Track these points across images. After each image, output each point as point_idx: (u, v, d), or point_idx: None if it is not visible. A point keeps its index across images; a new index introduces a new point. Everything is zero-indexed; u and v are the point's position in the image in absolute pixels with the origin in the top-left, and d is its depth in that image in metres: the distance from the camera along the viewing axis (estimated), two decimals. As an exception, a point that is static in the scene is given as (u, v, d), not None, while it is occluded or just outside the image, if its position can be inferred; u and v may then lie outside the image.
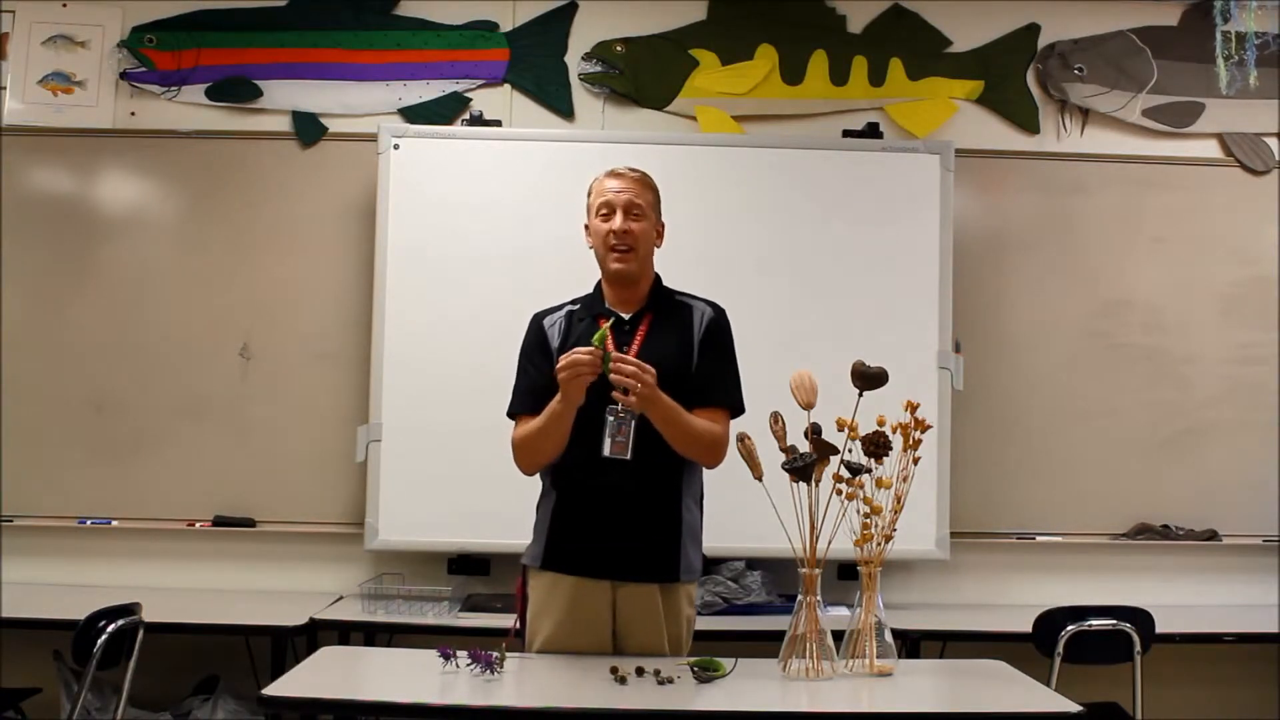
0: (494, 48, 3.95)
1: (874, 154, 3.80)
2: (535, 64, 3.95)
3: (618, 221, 2.51)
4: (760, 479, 2.32)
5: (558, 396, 2.39)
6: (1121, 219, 3.98)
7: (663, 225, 2.63)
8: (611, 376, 2.33)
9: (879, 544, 2.38)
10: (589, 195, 2.61)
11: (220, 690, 3.56)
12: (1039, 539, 3.88)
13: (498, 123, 3.86)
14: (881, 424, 2.34)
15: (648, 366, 2.36)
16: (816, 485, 2.33)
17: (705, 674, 2.31)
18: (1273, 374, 3.94)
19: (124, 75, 3.89)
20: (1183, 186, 3.99)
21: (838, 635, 2.40)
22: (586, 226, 2.61)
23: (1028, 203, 3.98)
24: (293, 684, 2.31)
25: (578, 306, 2.62)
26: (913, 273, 3.72)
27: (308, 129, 3.89)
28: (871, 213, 3.75)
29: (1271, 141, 4.02)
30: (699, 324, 2.57)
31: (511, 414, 2.57)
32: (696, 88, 3.95)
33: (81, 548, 3.78)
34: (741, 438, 2.38)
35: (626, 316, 2.56)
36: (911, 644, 3.33)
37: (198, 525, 3.78)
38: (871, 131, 3.88)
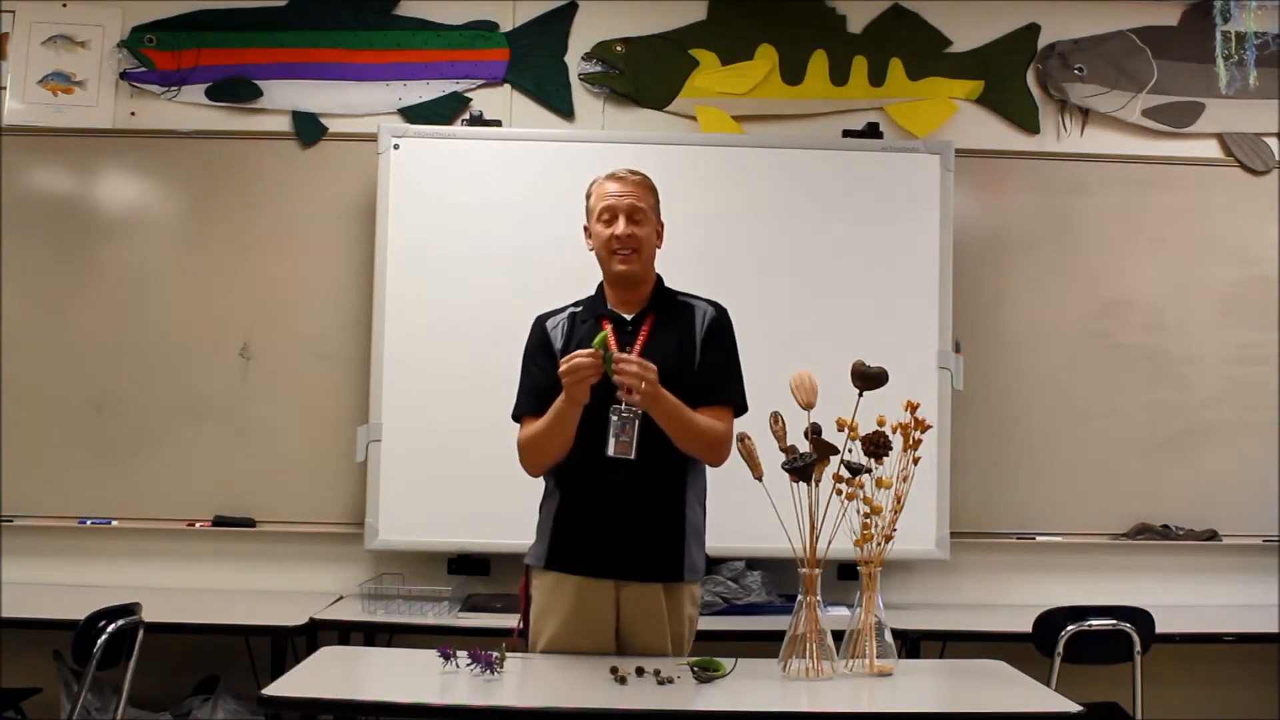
0: (494, 48, 3.95)
1: (874, 154, 3.80)
2: (535, 64, 3.96)
3: (620, 227, 2.51)
4: (760, 479, 2.32)
5: (562, 396, 2.39)
6: (1121, 219, 3.98)
7: (662, 225, 2.63)
8: (614, 377, 2.33)
9: (879, 544, 2.38)
10: (588, 198, 2.60)
11: (220, 690, 3.56)
12: (1039, 539, 3.88)
13: (498, 123, 3.86)
14: (881, 424, 2.34)
15: (650, 364, 2.36)
16: (816, 485, 2.33)
17: (705, 674, 2.31)
18: (1273, 374, 3.94)
19: (124, 75, 3.89)
20: (1183, 186, 4.00)
21: (838, 635, 2.39)
22: (586, 228, 2.61)
23: (1028, 203, 3.98)
24: (293, 684, 2.31)
25: (580, 308, 2.62)
26: (913, 273, 3.72)
27: (308, 129, 3.89)
28: (871, 213, 3.75)
29: (1271, 141, 4.02)
30: (701, 323, 2.57)
31: (516, 416, 2.58)
32: (696, 88, 3.95)
33: (81, 548, 3.78)
34: (741, 437, 2.39)
35: (629, 317, 2.56)
36: (911, 644, 3.33)
37: (198, 525, 3.78)
38: (871, 131, 3.88)
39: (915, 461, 2.36)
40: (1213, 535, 3.89)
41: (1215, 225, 3.99)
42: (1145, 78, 4.02)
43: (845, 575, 3.34)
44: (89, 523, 3.77)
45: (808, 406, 2.33)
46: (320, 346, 3.83)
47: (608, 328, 2.48)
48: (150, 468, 3.79)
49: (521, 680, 2.34)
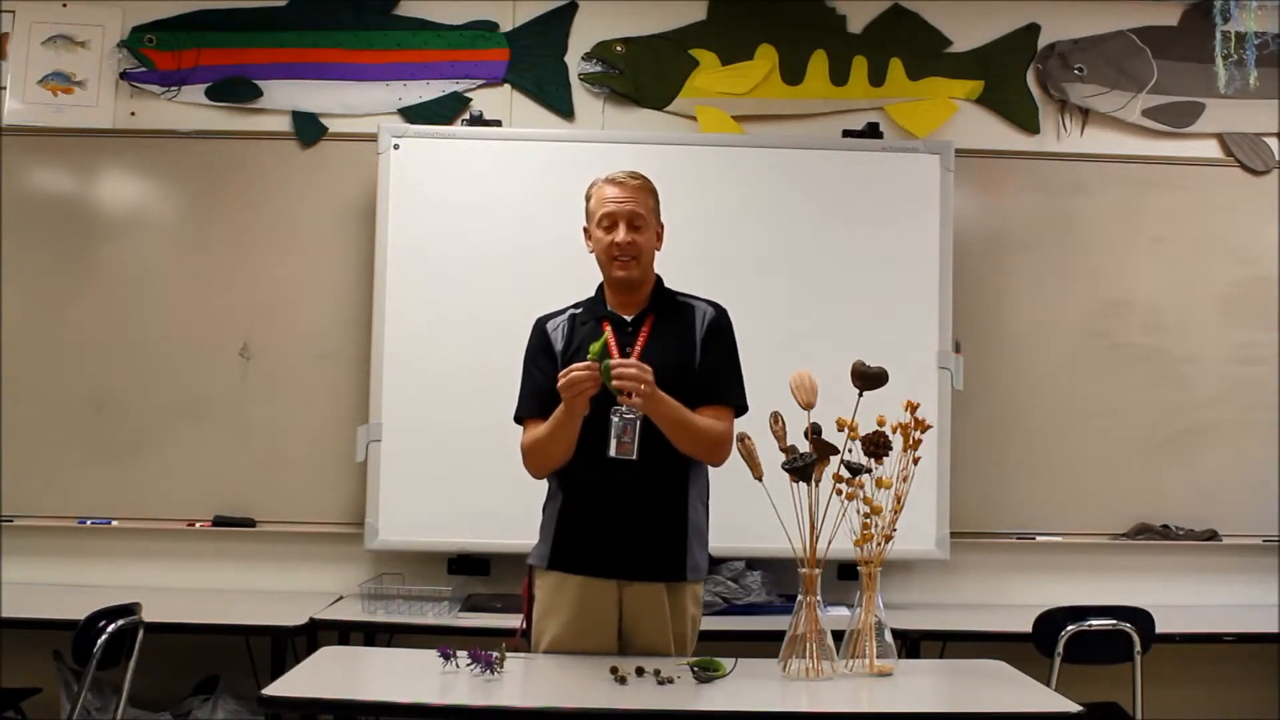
0: (494, 48, 3.95)
1: (874, 154, 3.80)
2: (535, 64, 3.95)
3: (621, 234, 2.51)
4: (760, 479, 2.32)
5: (561, 407, 2.39)
6: (1121, 219, 3.98)
7: (662, 226, 2.63)
8: (612, 385, 2.33)
9: (879, 544, 2.38)
10: (588, 200, 2.60)
11: (220, 690, 3.56)
12: (1039, 539, 3.88)
13: (498, 123, 3.86)
14: (881, 424, 2.34)
15: (646, 366, 2.36)
16: (816, 485, 2.33)
17: (705, 674, 2.31)
18: (1273, 374, 3.94)
19: (124, 75, 3.89)
20: (1183, 186, 3.99)
21: (838, 635, 2.40)
22: (586, 230, 2.61)
23: (1028, 203, 3.98)
24: (293, 684, 2.31)
25: (580, 309, 2.62)
26: (913, 273, 3.72)
27: (308, 129, 3.89)
28: (871, 213, 3.74)
29: (1271, 141, 4.02)
30: (701, 324, 2.58)
31: (518, 418, 2.58)
32: (696, 88, 3.95)
33: (81, 548, 3.78)
34: (741, 438, 2.39)
35: (629, 319, 2.56)
36: (911, 644, 3.33)
37: (198, 525, 3.78)
38: (871, 131, 3.88)
39: (915, 461, 2.36)
40: (1213, 535, 3.89)
41: (1215, 225, 3.99)
42: (1145, 78, 4.02)
43: (845, 575, 3.34)
44: (89, 523, 3.77)
45: (808, 406, 2.33)
46: (320, 346, 3.83)
47: (607, 331, 2.48)
48: (150, 468, 3.79)
49: (521, 680, 2.34)
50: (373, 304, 3.68)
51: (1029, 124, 4.02)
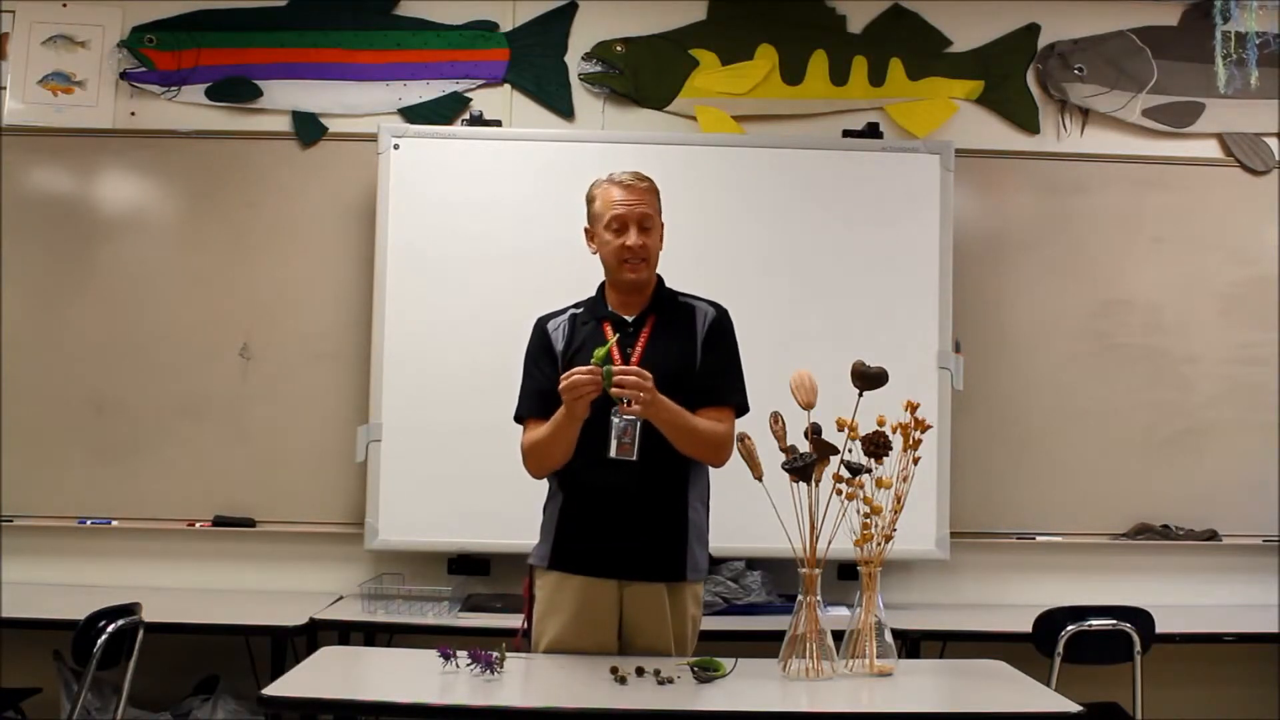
0: (494, 48, 3.95)
1: (874, 154, 3.80)
2: (535, 64, 3.95)
3: (633, 237, 2.50)
4: (760, 479, 2.32)
5: (561, 409, 2.39)
6: (1121, 219, 3.98)
7: (662, 226, 2.63)
8: (612, 391, 2.33)
9: (879, 544, 2.38)
10: (592, 201, 2.58)
11: (220, 690, 3.56)
12: (1039, 539, 3.88)
13: (498, 123, 3.86)
14: (881, 424, 2.34)
15: (647, 374, 2.36)
16: (816, 485, 2.33)
17: (705, 674, 2.31)
18: (1273, 374, 3.94)
19: (124, 75, 3.89)
20: (1183, 186, 3.99)
21: (838, 635, 2.40)
22: (588, 231, 2.60)
23: (1028, 203, 3.98)
24: (293, 684, 2.31)
25: (580, 309, 2.62)
26: (913, 273, 3.72)
27: (308, 129, 3.89)
28: (871, 213, 3.74)
29: (1271, 141, 4.02)
30: (702, 325, 2.58)
31: (519, 418, 2.58)
32: (696, 88, 3.95)
33: (81, 548, 3.78)
34: (741, 438, 2.39)
35: (630, 319, 2.56)
36: (911, 644, 3.33)
37: (198, 525, 3.78)
38: (871, 131, 3.88)
39: (915, 461, 2.36)
40: (1213, 535, 3.89)
41: (1215, 225, 3.99)
42: (1145, 78, 4.02)
43: (845, 575, 3.34)
44: (89, 523, 3.77)
45: (808, 406, 2.33)
46: (320, 346, 3.83)
47: (612, 338, 2.47)
48: (150, 468, 3.79)
49: (521, 680, 2.34)
50: (373, 304, 3.68)
51: (1029, 124, 4.02)
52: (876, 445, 2.33)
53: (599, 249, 2.57)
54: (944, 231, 3.73)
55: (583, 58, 3.94)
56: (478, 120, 3.84)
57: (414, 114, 3.89)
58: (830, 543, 2.34)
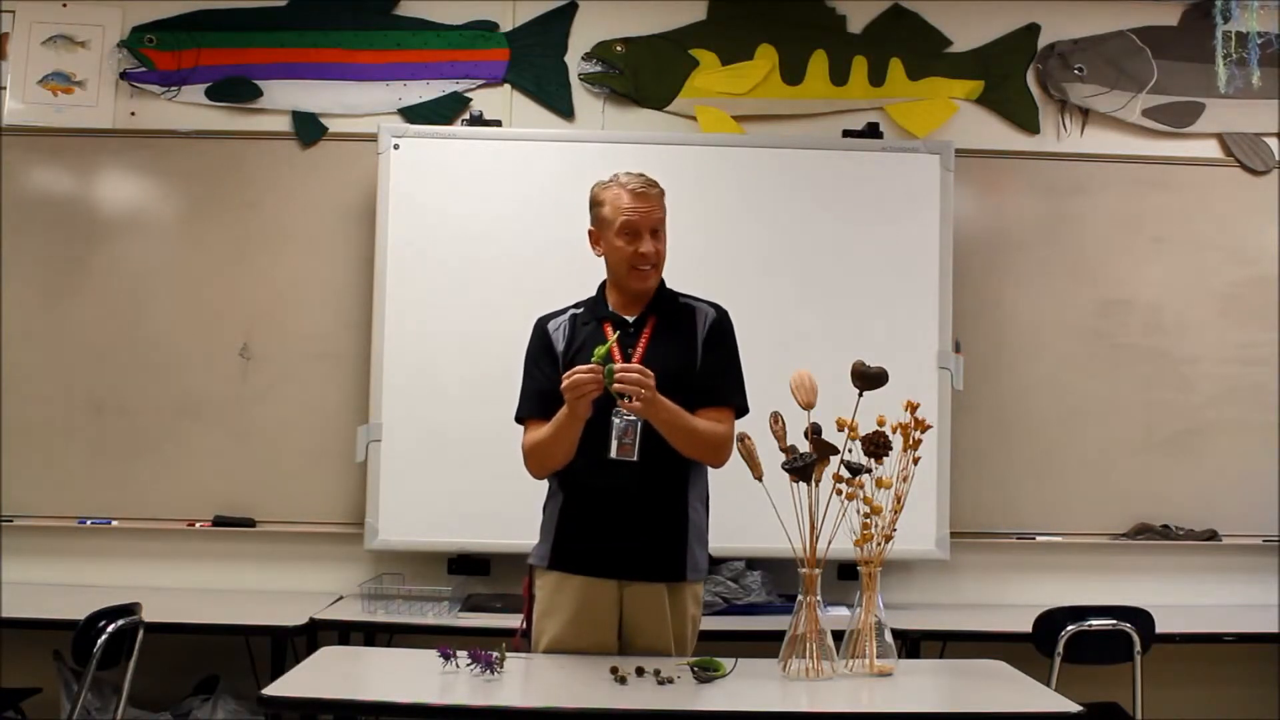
0: (494, 48, 3.95)
1: (874, 154, 3.80)
2: (535, 64, 3.95)
3: (646, 245, 2.49)
4: (760, 479, 2.32)
5: (564, 409, 2.39)
6: (1121, 219, 3.98)
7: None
8: (614, 389, 2.33)
9: (879, 544, 2.38)
10: (599, 205, 2.55)
11: (220, 690, 3.56)
12: (1039, 539, 3.88)
13: (498, 123, 3.86)
14: (881, 424, 2.34)
15: (648, 371, 2.36)
16: (816, 485, 2.33)
17: (705, 674, 2.31)
18: (1273, 374, 3.94)
19: (124, 75, 3.89)
20: (1183, 186, 3.99)
21: (838, 635, 2.40)
22: (592, 232, 2.59)
23: (1028, 203, 3.98)
24: (293, 684, 2.31)
25: (581, 310, 2.61)
26: (912, 273, 3.72)
27: (308, 129, 3.89)
28: (871, 213, 3.75)
29: (1271, 141, 4.02)
30: (702, 326, 2.57)
31: (519, 419, 2.58)
32: (696, 88, 3.95)
33: (81, 548, 3.78)
34: (741, 438, 2.39)
35: (630, 320, 2.56)
36: (911, 644, 3.33)
37: (198, 525, 3.78)
38: (871, 131, 3.88)
39: (915, 461, 2.36)
40: (1213, 535, 3.89)
41: (1215, 225, 3.99)
42: (1145, 78, 4.02)
43: (845, 575, 3.34)
44: (89, 523, 3.77)
45: (808, 406, 2.34)
46: (320, 346, 3.83)
47: (612, 336, 2.46)
48: (150, 468, 3.79)
49: (521, 680, 2.34)
50: (372, 304, 3.68)
51: (1029, 124, 4.02)
52: (876, 445, 2.33)
53: (606, 253, 2.56)
54: (944, 231, 3.73)
55: (583, 58, 3.94)
56: (478, 120, 3.84)
57: (414, 114, 3.89)
58: (830, 543, 2.34)
